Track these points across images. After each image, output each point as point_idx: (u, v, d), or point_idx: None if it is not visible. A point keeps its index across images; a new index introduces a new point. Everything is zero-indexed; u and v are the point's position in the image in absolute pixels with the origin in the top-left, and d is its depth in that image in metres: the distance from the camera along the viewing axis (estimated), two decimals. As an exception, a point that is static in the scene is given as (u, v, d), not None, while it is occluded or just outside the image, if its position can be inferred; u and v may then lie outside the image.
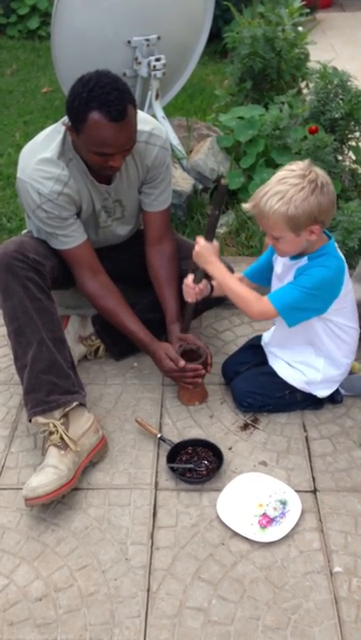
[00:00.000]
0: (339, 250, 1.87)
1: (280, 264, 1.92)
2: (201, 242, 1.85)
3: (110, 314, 2.06)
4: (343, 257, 1.86)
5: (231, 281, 1.87)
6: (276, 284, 1.95)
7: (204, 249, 1.84)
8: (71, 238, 1.99)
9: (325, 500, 1.78)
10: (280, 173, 1.75)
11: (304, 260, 1.83)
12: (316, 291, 1.78)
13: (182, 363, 1.98)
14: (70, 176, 1.91)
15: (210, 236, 1.83)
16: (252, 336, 2.26)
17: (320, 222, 1.74)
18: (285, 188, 1.68)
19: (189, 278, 1.93)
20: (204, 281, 1.94)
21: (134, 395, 2.15)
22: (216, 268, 1.86)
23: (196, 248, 1.86)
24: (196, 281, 1.93)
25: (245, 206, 1.80)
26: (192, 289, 1.94)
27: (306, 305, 1.81)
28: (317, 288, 1.78)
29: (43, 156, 1.89)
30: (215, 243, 1.85)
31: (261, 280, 2.03)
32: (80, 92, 1.74)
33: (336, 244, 1.87)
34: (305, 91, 3.36)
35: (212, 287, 1.99)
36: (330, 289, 1.82)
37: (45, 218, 1.93)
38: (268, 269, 2.00)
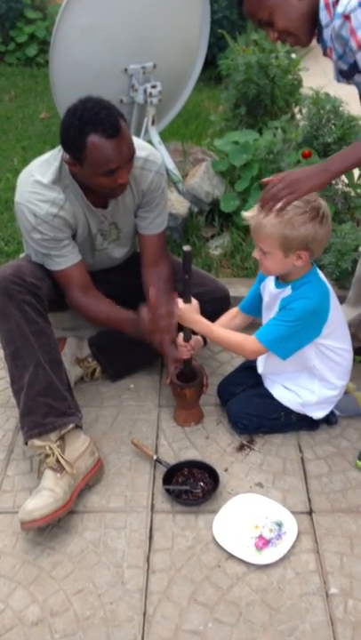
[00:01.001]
0: (321, 274, 1.90)
1: (267, 293, 1.96)
2: (180, 305, 1.89)
3: (103, 314, 2.05)
4: (327, 282, 1.89)
5: (217, 332, 1.93)
6: (265, 315, 2.00)
7: (185, 311, 1.89)
8: (65, 258, 2.01)
9: (321, 521, 1.78)
10: None
11: (288, 290, 1.86)
12: (301, 322, 1.82)
13: (181, 339, 1.98)
14: (66, 200, 1.95)
15: (187, 298, 1.88)
16: (248, 357, 2.28)
17: (310, 250, 1.77)
18: (288, 207, 1.72)
19: (180, 337, 1.98)
20: (195, 337, 2.00)
21: (130, 416, 2.16)
22: (202, 325, 1.91)
23: (178, 312, 1.90)
24: (187, 339, 1.97)
25: (245, 214, 1.82)
26: (185, 347, 1.98)
27: (293, 337, 1.85)
28: (301, 319, 1.82)
29: (39, 180, 1.93)
30: (194, 302, 1.90)
31: (254, 311, 2.07)
32: (71, 122, 1.79)
33: (319, 270, 1.90)
34: (298, 116, 3.42)
35: (204, 339, 2.05)
36: (315, 317, 1.85)
37: (40, 239, 1.96)
38: (258, 300, 2.04)
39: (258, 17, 1.74)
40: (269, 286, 1.94)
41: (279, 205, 1.72)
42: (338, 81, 1.92)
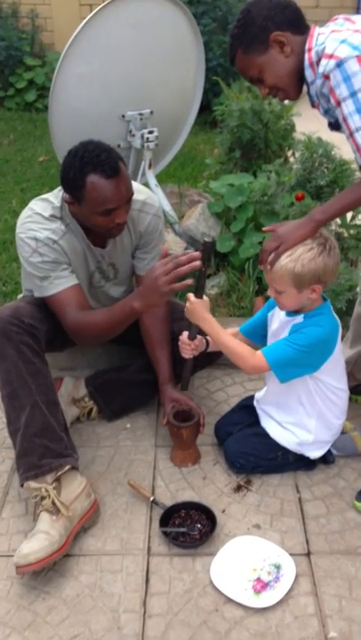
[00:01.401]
0: (334, 312, 1.93)
1: (277, 320, 1.97)
2: (192, 299, 1.87)
3: (102, 316, 1.97)
4: (338, 319, 1.92)
5: (225, 336, 1.90)
6: (271, 341, 1.99)
7: (195, 305, 1.86)
8: (64, 280, 2.00)
9: (319, 563, 1.77)
10: None
11: (300, 318, 1.88)
12: (310, 348, 1.82)
13: (165, 421, 2.00)
14: (67, 232, 1.98)
15: (200, 293, 1.86)
16: (245, 396, 2.28)
17: (323, 282, 1.81)
18: (297, 246, 1.76)
19: (184, 335, 1.96)
20: (199, 337, 1.97)
21: (127, 456, 2.15)
22: (209, 323, 1.88)
23: (188, 305, 1.88)
24: (191, 337, 1.95)
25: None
26: (188, 345, 1.96)
27: (298, 361, 1.85)
28: (311, 346, 1.82)
29: (40, 212, 1.98)
30: (206, 298, 1.88)
31: (255, 337, 2.07)
32: (72, 163, 1.85)
33: (330, 305, 1.93)
34: (291, 159, 3.50)
35: (207, 342, 2.02)
36: (323, 347, 1.86)
37: (40, 262, 1.96)
38: (262, 326, 2.04)
39: (249, 74, 1.81)
40: (280, 314, 1.94)
41: (271, 258, 1.78)
42: (331, 130, 1.99)
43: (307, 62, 1.73)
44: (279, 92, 1.81)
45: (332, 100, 1.67)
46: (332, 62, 1.62)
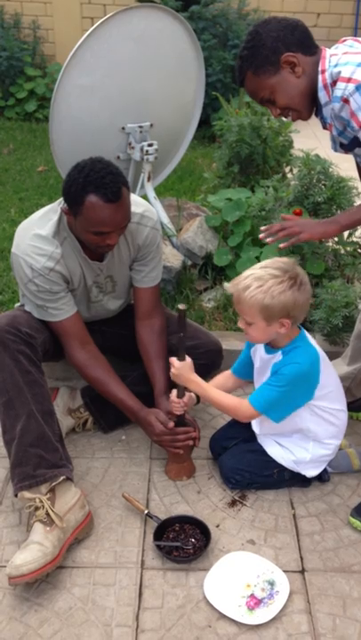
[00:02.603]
0: (310, 338, 1.93)
1: (258, 358, 1.99)
2: (176, 363, 1.92)
3: (99, 383, 2.09)
4: (316, 346, 1.92)
5: (213, 394, 1.95)
6: (257, 379, 2.02)
7: (180, 369, 1.91)
8: (61, 311, 2.04)
9: (313, 580, 1.76)
10: (265, 262, 1.85)
11: (278, 356, 1.89)
12: (292, 387, 1.85)
13: (171, 424, 2.00)
14: (63, 254, 1.98)
15: (182, 356, 1.91)
16: (240, 411, 2.28)
17: (292, 317, 1.81)
18: (266, 277, 1.78)
19: (173, 394, 2.00)
20: (188, 394, 2.01)
21: (122, 468, 2.14)
22: (196, 384, 1.94)
23: (173, 370, 1.93)
24: (180, 396, 1.99)
25: (226, 286, 1.88)
26: (178, 403, 1.99)
27: (286, 401, 1.87)
28: (292, 384, 1.84)
29: (38, 232, 1.97)
30: (188, 360, 1.93)
31: (247, 375, 2.10)
32: (76, 177, 1.84)
33: (307, 334, 1.94)
34: (289, 175, 3.53)
35: (198, 397, 2.06)
36: (305, 382, 1.88)
37: (36, 291, 1.98)
38: (249, 364, 2.07)
39: (260, 96, 1.80)
40: (260, 352, 1.97)
41: (291, 240, 1.81)
42: (335, 150, 2.00)
43: (320, 84, 1.73)
44: (292, 112, 1.81)
45: (355, 124, 1.67)
46: (352, 86, 1.62)
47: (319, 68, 1.73)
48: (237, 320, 2.80)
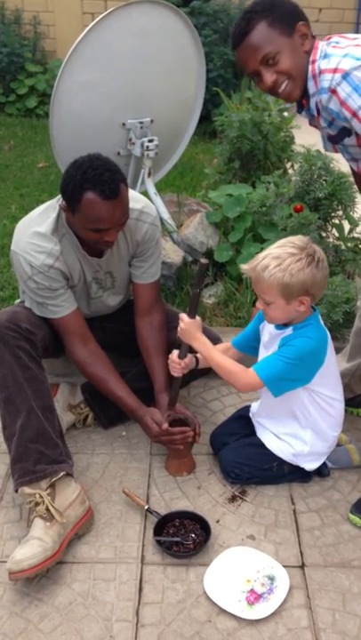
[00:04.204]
0: (322, 322, 1.93)
1: (267, 333, 1.97)
2: (185, 319, 1.89)
3: (99, 381, 2.09)
4: (326, 329, 1.92)
5: (217, 355, 1.91)
6: (263, 353, 2.00)
7: (188, 325, 1.89)
8: (61, 308, 2.04)
9: (313, 575, 1.76)
10: (280, 242, 1.84)
11: (289, 331, 1.88)
12: (299, 361, 1.83)
13: (165, 425, 2.00)
14: (62, 251, 1.98)
15: (192, 313, 1.88)
16: (241, 406, 2.29)
17: (311, 295, 1.81)
18: (284, 256, 1.77)
19: (174, 354, 1.97)
20: (190, 355, 1.98)
21: (122, 464, 2.14)
22: (202, 343, 1.90)
23: (181, 325, 1.90)
24: (182, 356, 1.96)
25: (244, 267, 1.86)
26: (178, 364, 1.97)
27: (290, 375, 1.85)
28: (300, 358, 1.83)
29: (37, 230, 1.97)
30: (198, 318, 1.90)
31: (248, 349, 2.08)
32: (74, 175, 1.83)
33: (320, 317, 1.93)
34: (290, 171, 3.52)
35: (197, 360, 2.02)
36: (313, 358, 1.87)
37: (36, 288, 1.98)
38: (254, 339, 2.05)
39: (265, 50, 1.70)
40: (269, 327, 1.95)
41: None
42: (326, 150, 1.99)
43: (310, 74, 1.72)
44: (289, 80, 1.73)
45: (346, 112, 1.65)
46: (338, 76, 1.62)
47: (310, 58, 1.72)
48: (239, 315, 2.82)
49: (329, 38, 1.77)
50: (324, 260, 1.81)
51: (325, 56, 1.69)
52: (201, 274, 1.79)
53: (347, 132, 1.77)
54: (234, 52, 1.79)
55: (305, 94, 1.77)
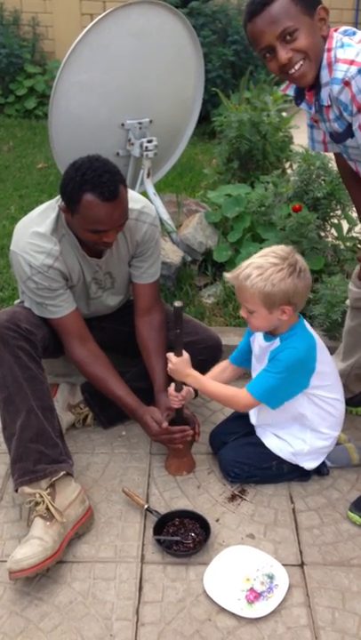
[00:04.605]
0: (309, 327, 1.94)
1: (257, 345, 2.00)
2: (173, 359, 1.92)
3: (98, 380, 2.09)
4: (314, 333, 1.93)
5: (210, 386, 1.96)
6: (255, 366, 2.02)
7: (177, 365, 1.92)
8: (60, 308, 2.04)
9: (313, 574, 1.77)
10: (263, 251, 1.86)
11: (277, 342, 1.90)
12: (289, 372, 1.85)
13: (165, 424, 2.00)
14: (62, 251, 1.99)
15: (179, 352, 1.92)
16: (240, 406, 2.29)
17: (293, 304, 1.82)
18: (266, 265, 1.78)
19: (171, 388, 2.01)
20: (186, 388, 2.01)
21: (122, 464, 2.15)
22: (193, 378, 1.94)
23: (170, 366, 1.93)
24: (178, 390, 1.99)
25: (227, 276, 1.89)
26: (175, 397, 2.00)
27: (283, 387, 1.88)
28: (289, 370, 1.85)
29: (36, 230, 1.97)
30: (185, 355, 1.93)
31: (245, 363, 2.10)
32: (73, 176, 1.84)
33: (306, 322, 1.94)
34: (289, 171, 3.53)
35: (196, 390, 2.05)
36: (302, 367, 1.88)
37: (35, 289, 1.99)
38: (248, 352, 2.07)
39: (285, 25, 1.61)
40: (259, 339, 1.98)
41: None
42: (314, 149, 1.98)
43: (325, 62, 1.65)
44: (304, 61, 1.65)
45: (354, 107, 1.62)
46: (354, 68, 1.58)
47: (326, 46, 1.65)
48: (238, 315, 2.82)
49: (336, 29, 1.71)
50: (306, 269, 1.83)
51: (342, 45, 1.64)
52: (178, 315, 1.83)
53: (350, 132, 1.74)
54: (248, 24, 1.68)
55: (315, 83, 1.71)
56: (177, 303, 1.81)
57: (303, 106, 1.84)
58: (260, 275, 1.77)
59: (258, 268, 1.79)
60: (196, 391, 2.07)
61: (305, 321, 1.94)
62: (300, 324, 1.91)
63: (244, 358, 2.09)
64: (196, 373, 1.94)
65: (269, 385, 1.87)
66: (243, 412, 2.03)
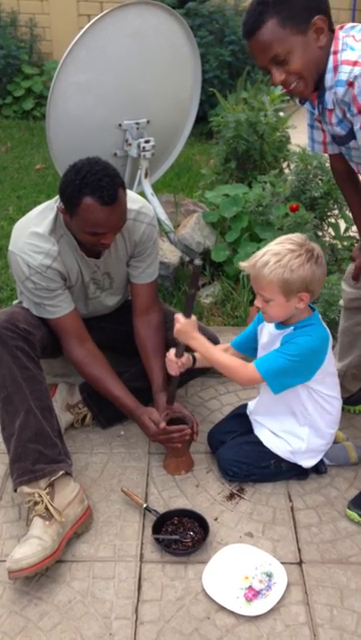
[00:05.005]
0: (323, 322, 1.94)
1: (266, 333, 1.98)
2: (181, 319, 1.89)
3: (96, 381, 2.10)
4: (327, 328, 1.94)
5: (216, 353, 1.93)
6: (261, 354, 2.01)
7: (185, 326, 1.89)
8: (58, 308, 2.05)
9: (311, 572, 1.77)
10: (279, 239, 1.84)
11: (290, 330, 1.89)
12: (301, 358, 1.84)
13: (163, 424, 2.00)
14: (60, 252, 1.99)
15: (188, 313, 1.88)
16: (238, 405, 2.29)
17: (310, 291, 1.82)
18: (284, 252, 1.77)
19: (171, 353, 1.98)
20: (186, 354, 1.99)
21: (120, 463, 2.15)
22: (199, 342, 1.91)
23: (177, 326, 1.90)
24: (178, 355, 1.97)
25: (243, 264, 1.87)
26: (175, 363, 1.97)
27: (290, 372, 1.86)
28: (302, 355, 1.84)
29: (35, 230, 1.98)
30: (194, 318, 1.90)
31: (247, 350, 2.09)
32: (73, 179, 1.84)
33: (320, 317, 1.95)
34: (286, 171, 3.54)
35: (194, 359, 2.03)
36: (314, 356, 1.88)
37: (33, 289, 1.99)
38: (253, 340, 2.06)
39: (273, 51, 1.60)
40: (269, 327, 1.96)
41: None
42: (313, 150, 1.98)
43: (331, 65, 1.61)
44: (300, 80, 1.64)
45: (355, 108, 1.60)
46: (358, 69, 1.56)
47: (332, 49, 1.61)
48: (236, 315, 2.83)
49: (342, 27, 1.67)
50: (322, 256, 1.82)
51: (348, 47, 1.61)
52: (195, 275, 1.79)
53: (353, 134, 1.72)
54: (245, 41, 1.68)
55: (319, 85, 1.68)
56: (196, 261, 1.76)
57: (307, 105, 1.83)
58: (279, 261, 1.76)
59: (276, 254, 1.78)
60: (194, 361, 2.02)
61: (319, 315, 1.94)
62: (315, 316, 1.91)
63: (248, 346, 2.07)
64: (202, 337, 1.90)
65: (278, 365, 1.84)
66: (243, 385, 1.99)
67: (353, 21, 6.83)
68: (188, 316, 1.89)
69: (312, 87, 1.68)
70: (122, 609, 1.67)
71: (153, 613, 1.66)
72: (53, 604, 1.68)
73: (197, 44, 3.19)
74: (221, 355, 1.93)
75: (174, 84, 3.13)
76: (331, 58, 1.62)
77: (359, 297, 2.15)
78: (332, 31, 1.64)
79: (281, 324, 1.92)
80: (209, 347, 1.92)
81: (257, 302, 1.88)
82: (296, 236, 1.84)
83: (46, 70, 6.12)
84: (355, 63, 1.57)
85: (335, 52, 1.61)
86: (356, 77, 1.56)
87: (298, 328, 1.88)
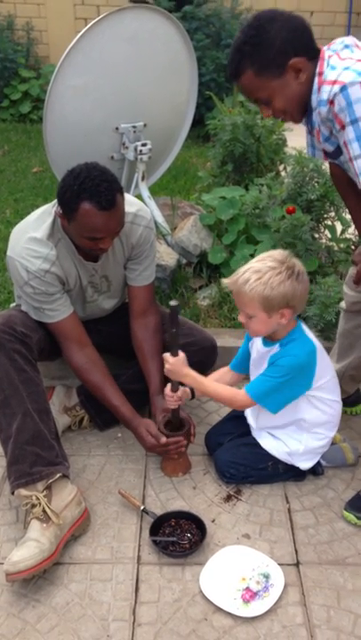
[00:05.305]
0: (308, 332, 1.95)
1: (255, 350, 2.01)
2: (169, 359, 1.92)
3: (96, 389, 2.10)
4: (314, 338, 1.94)
5: (208, 385, 1.97)
6: (252, 371, 2.04)
7: (174, 365, 1.92)
8: (58, 312, 2.05)
9: (308, 573, 1.78)
10: (260, 256, 1.87)
11: (276, 348, 1.91)
12: (288, 378, 1.87)
13: (163, 439, 2.01)
14: (58, 256, 2.00)
15: (175, 352, 1.92)
16: (235, 407, 2.30)
17: (292, 307, 1.83)
18: (265, 269, 1.79)
19: (168, 388, 2.01)
20: (182, 388, 2.02)
21: (118, 466, 2.16)
22: (191, 378, 1.95)
23: (167, 366, 1.94)
24: (174, 390, 2.00)
25: (225, 281, 1.90)
26: (171, 397, 2.00)
27: (283, 390, 1.89)
28: (288, 375, 1.86)
29: (33, 235, 1.98)
30: (181, 355, 1.93)
31: (245, 369, 2.11)
32: (71, 184, 1.84)
33: (305, 326, 1.96)
34: (283, 173, 3.54)
35: (192, 390, 2.06)
36: (302, 374, 1.90)
37: (32, 293, 2.00)
38: (248, 358, 2.09)
39: (256, 96, 1.70)
40: (257, 344, 1.99)
41: None
42: (313, 155, 1.99)
43: (316, 86, 1.65)
44: (285, 115, 1.73)
45: (337, 124, 1.62)
46: (337, 87, 1.57)
47: (317, 70, 1.64)
48: (233, 317, 2.84)
49: (330, 45, 1.70)
50: (303, 272, 1.84)
51: (330, 67, 1.63)
52: (174, 315, 1.83)
53: (341, 149, 1.72)
54: None
55: (308, 107, 1.72)
56: (173, 302, 1.80)
57: (305, 122, 1.84)
58: (259, 278, 1.79)
59: (256, 272, 1.80)
60: (192, 392, 2.07)
61: (304, 325, 1.95)
62: (298, 329, 1.92)
63: (244, 364, 2.10)
64: (193, 373, 1.95)
65: (267, 388, 1.88)
66: (240, 410, 2.04)
67: (349, 24, 6.80)
68: (175, 354, 1.92)
69: (300, 116, 1.76)
70: (119, 611, 1.67)
71: (150, 615, 1.66)
72: (51, 607, 1.69)
73: (194, 47, 3.20)
74: (214, 386, 1.98)
75: (171, 88, 3.14)
76: (316, 79, 1.66)
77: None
78: (314, 58, 1.66)
79: (268, 341, 1.95)
80: (201, 381, 1.96)
81: (240, 318, 1.91)
82: (278, 253, 1.86)
83: (43, 74, 6.13)
84: (334, 82, 1.60)
85: (320, 74, 1.65)
86: (335, 95, 1.59)
87: (283, 345, 1.90)
